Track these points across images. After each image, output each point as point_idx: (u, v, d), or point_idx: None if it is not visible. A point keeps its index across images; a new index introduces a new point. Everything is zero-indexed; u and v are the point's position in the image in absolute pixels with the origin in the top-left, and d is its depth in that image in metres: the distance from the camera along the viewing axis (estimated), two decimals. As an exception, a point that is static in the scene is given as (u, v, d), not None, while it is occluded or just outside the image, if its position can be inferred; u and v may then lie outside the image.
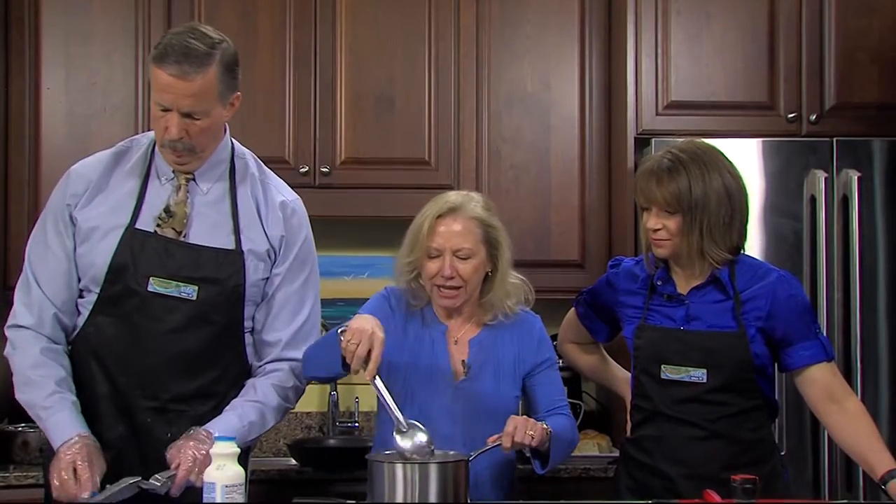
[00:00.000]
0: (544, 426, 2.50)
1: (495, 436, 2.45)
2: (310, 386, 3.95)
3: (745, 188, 2.66)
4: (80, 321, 2.48)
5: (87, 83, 3.72)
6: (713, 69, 3.66)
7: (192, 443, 2.33)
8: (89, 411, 2.43)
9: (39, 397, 2.39)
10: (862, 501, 2.92)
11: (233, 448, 2.13)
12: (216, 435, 2.25)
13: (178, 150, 2.44)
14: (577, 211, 3.84)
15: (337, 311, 4.10)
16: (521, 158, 3.83)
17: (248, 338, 2.56)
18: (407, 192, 3.80)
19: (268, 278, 2.54)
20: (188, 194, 2.49)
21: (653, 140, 3.51)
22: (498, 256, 2.68)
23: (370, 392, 3.95)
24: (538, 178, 3.84)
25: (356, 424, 3.96)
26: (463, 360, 2.64)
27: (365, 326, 2.37)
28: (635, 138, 3.64)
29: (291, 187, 3.71)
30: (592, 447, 3.65)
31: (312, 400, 4.06)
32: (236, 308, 2.50)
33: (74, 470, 2.28)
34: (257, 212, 2.55)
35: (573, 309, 2.98)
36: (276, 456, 3.96)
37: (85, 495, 2.24)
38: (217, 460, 2.11)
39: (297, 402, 2.63)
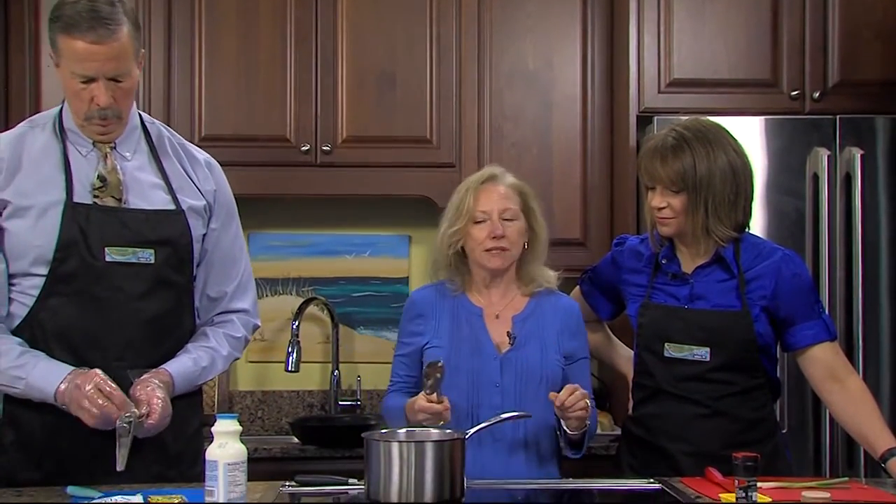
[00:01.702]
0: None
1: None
2: (312, 364, 4.03)
3: (750, 166, 2.65)
4: (22, 310, 2.40)
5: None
6: (716, 46, 3.64)
7: (156, 383, 2.34)
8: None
9: (7, 362, 2.33)
10: (863, 479, 2.91)
11: (235, 426, 2.12)
12: (174, 374, 2.40)
13: (108, 118, 2.41)
14: (579, 189, 3.83)
15: (339, 289, 4.11)
16: (523, 136, 3.82)
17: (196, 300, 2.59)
18: (408, 171, 3.80)
19: (205, 234, 2.55)
20: (115, 161, 2.47)
21: (655, 118, 3.50)
22: (535, 226, 2.76)
23: (372, 371, 3.99)
24: (540, 157, 3.83)
25: (358, 402, 3.97)
26: (508, 332, 2.68)
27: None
28: (637, 116, 3.62)
29: (293, 166, 3.76)
30: (594, 425, 3.65)
31: (314, 378, 4.07)
32: (188, 267, 2.51)
33: (102, 395, 2.25)
34: (184, 171, 2.55)
35: (578, 287, 2.98)
36: (279, 434, 3.97)
37: (125, 416, 2.24)
38: (219, 438, 2.11)
39: (242, 352, 2.68)
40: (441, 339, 2.69)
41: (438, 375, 2.51)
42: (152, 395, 2.31)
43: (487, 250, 2.69)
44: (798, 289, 2.62)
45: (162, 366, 2.42)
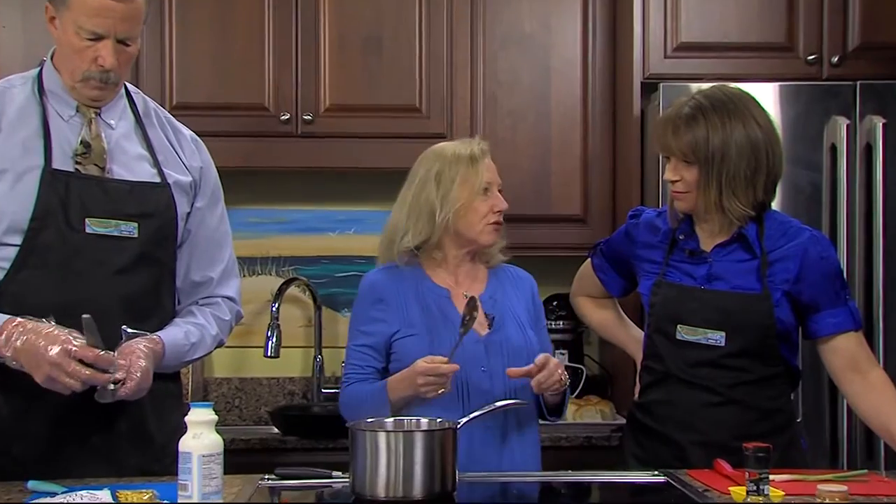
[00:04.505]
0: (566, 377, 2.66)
1: (523, 368, 2.57)
2: (293, 350, 4.03)
3: (775, 140, 2.63)
4: None
5: (44, 21, 3.75)
6: (726, 7, 3.63)
7: (142, 350, 2.33)
8: (34, 380, 2.30)
9: None
10: (883, 471, 2.93)
11: (210, 415, 2.12)
12: (166, 343, 2.40)
13: (108, 81, 2.43)
14: (579, 161, 3.83)
15: (322, 269, 4.10)
16: (519, 104, 3.82)
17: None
18: (396, 142, 3.78)
19: (189, 213, 2.57)
20: (100, 128, 2.48)
21: (661, 85, 3.49)
22: None
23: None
24: (537, 126, 3.82)
25: (342, 390, 3.98)
26: (486, 314, 2.71)
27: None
28: (642, 83, 3.62)
29: (272, 137, 3.75)
30: (595, 414, 3.66)
31: (296, 365, 4.07)
32: (172, 244, 2.53)
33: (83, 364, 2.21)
34: (170, 144, 2.58)
35: (589, 259, 2.99)
36: (258, 424, 3.98)
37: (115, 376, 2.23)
38: (193, 428, 2.10)
39: (227, 338, 2.69)
40: (415, 326, 2.69)
41: (475, 314, 2.57)
42: (135, 362, 2.30)
43: (491, 224, 2.74)
44: (824, 273, 2.62)
45: (155, 333, 2.43)
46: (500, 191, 2.77)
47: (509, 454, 2.67)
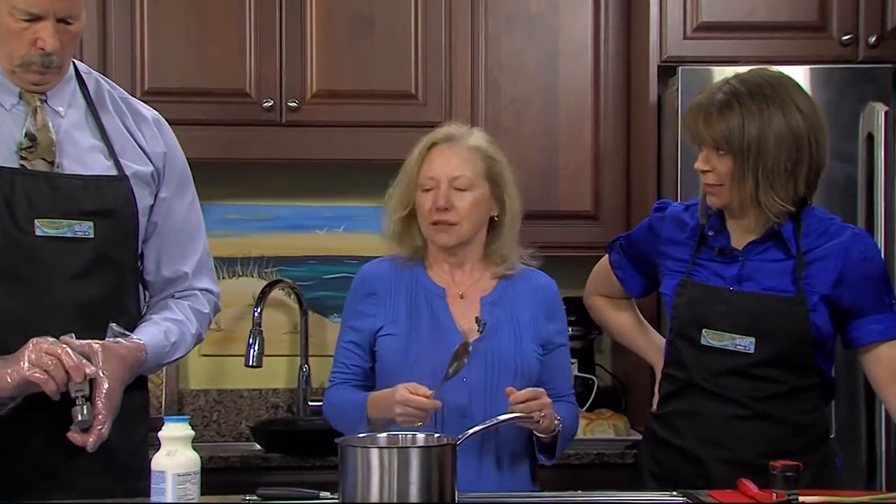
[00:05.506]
0: (557, 419, 2.59)
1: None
2: (277, 358, 4.02)
3: (819, 127, 2.62)
4: None
5: None
6: (752, -17, 3.64)
7: (114, 382, 2.29)
8: None
9: None
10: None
11: (186, 430, 2.12)
12: (147, 347, 2.37)
13: (51, 66, 2.40)
14: (590, 152, 3.83)
15: (308, 270, 4.10)
16: (524, 90, 3.82)
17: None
18: (390, 131, 3.78)
19: (153, 206, 2.55)
20: (47, 118, 2.45)
21: (679, 68, 3.49)
22: (504, 196, 2.75)
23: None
24: (544, 114, 3.82)
25: (331, 403, 3.97)
26: (476, 317, 2.67)
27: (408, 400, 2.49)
28: (659, 66, 3.63)
29: (254, 125, 3.74)
30: (607, 429, 3.66)
31: (280, 375, 4.07)
32: (133, 243, 2.51)
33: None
34: (128, 131, 2.55)
35: (606, 255, 2.98)
36: (238, 440, 3.98)
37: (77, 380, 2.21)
38: (167, 445, 2.10)
39: (206, 334, 2.69)
40: (397, 324, 2.68)
41: (465, 360, 2.53)
42: (100, 394, 2.26)
43: (433, 224, 2.69)
44: (868, 275, 2.62)
45: (133, 335, 2.41)
46: (461, 188, 2.67)
47: (491, 475, 2.64)
